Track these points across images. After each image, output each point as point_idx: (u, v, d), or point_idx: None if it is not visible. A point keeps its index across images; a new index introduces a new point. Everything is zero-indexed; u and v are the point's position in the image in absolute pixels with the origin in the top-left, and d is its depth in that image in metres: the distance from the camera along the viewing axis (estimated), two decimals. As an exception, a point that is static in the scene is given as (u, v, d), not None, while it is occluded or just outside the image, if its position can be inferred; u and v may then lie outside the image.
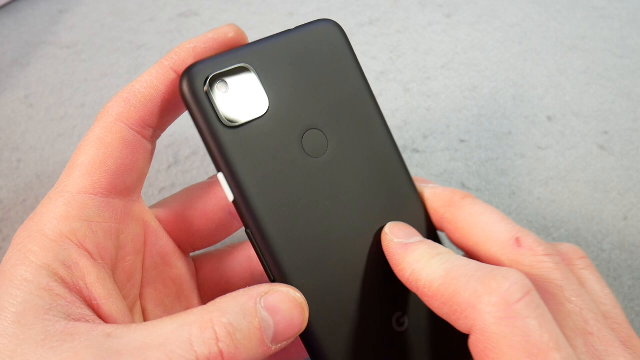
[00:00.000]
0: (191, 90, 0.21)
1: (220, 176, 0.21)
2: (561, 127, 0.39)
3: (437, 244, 0.22)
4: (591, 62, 0.43)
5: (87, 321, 0.19)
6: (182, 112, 0.24)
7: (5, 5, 0.44)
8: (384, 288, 0.23)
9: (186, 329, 0.18)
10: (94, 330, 0.18)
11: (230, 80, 0.21)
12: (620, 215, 0.35)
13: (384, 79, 0.41)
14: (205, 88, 0.21)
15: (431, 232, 0.24)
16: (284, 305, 0.19)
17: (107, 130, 0.22)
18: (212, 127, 0.21)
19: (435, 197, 0.24)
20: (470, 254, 0.23)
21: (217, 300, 0.19)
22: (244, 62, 0.22)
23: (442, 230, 0.24)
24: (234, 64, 0.21)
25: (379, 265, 0.23)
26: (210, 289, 0.27)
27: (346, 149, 0.23)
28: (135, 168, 0.22)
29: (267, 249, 0.21)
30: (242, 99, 0.21)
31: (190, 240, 0.25)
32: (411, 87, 0.41)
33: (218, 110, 0.21)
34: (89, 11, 0.45)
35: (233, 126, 0.21)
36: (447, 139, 0.38)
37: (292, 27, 0.23)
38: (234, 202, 0.21)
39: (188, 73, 0.21)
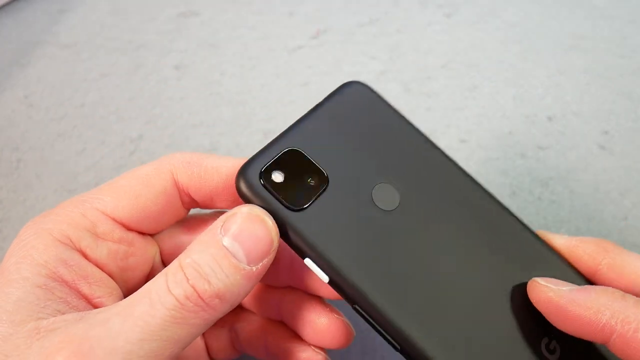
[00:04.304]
0: (249, 188, 0.21)
1: (308, 261, 0.21)
2: (561, 127, 0.39)
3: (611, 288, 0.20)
4: (591, 61, 0.43)
5: (79, 312, 0.19)
6: (220, 207, 0.24)
7: (5, 5, 0.44)
8: (523, 325, 0.21)
9: (162, 278, 0.18)
10: (86, 313, 0.18)
11: (282, 166, 0.21)
12: (621, 215, 0.35)
13: (384, 79, 0.41)
14: (262, 182, 0.21)
15: (581, 283, 0.22)
16: (243, 225, 0.19)
17: (157, 174, 0.22)
18: (280, 216, 0.20)
19: (585, 243, 0.22)
20: None
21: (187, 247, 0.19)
22: (289, 146, 0.22)
23: (594, 282, 0.22)
24: (280, 151, 0.21)
25: (511, 301, 0.21)
26: None
27: (421, 196, 0.22)
28: (160, 218, 0.23)
29: (382, 320, 0.20)
30: (300, 179, 0.21)
31: None
32: (411, 87, 0.41)
33: (281, 198, 0.20)
34: (88, 11, 0.45)
35: (301, 208, 0.21)
36: (447, 139, 0.38)
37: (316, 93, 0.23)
38: (330, 282, 0.21)
39: (241, 172, 0.21)
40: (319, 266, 0.20)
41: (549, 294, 0.20)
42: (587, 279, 0.23)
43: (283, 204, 0.20)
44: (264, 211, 0.20)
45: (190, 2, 0.46)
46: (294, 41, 0.43)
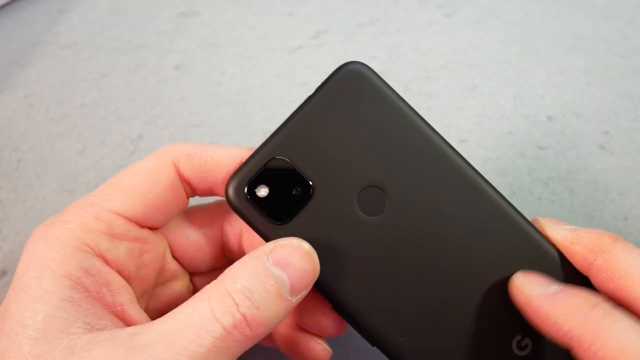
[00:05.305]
0: (235, 202, 0.21)
1: None
2: (561, 126, 0.39)
3: (590, 291, 0.20)
4: (592, 61, 0.43)
5: (111, 330, 0.18)
6: (220, 196, 0.24)
7: (5, 5, 0.44)
8: (497, 320, 0.22)
9: (206, 304, 0.18)
10: (119, 333, 0.18)
11: (268, 178, 0.21)
12: (621, 215, 0.35)
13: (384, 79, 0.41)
14: (248, 196, 0.21)
15: (574, 278, 0.22)
16: (292, 257, 0.19)
17: (162, 168, 0.22)
18: (265, 231, 0.21)
19: (581, 240, 0.22)
20: (628, 307, 0.20)
21: (227, 270, 0.19)
22: (274, 155, 0.21)
23: (589, 277, 0.22)
24: (265, 161, 0.21)
25: (486, 296, 0.22)
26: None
27: (413, 196, 0.22)
28: (168, 211, 0.23)
29: (356, 322, 0.21)
30: (285, 190, 0.21)
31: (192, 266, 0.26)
32: (411, 87, 0.41)
33: (265, 213, 0.21)
34: (88, 11, 0.45)
35: (285, 222, 0.21)
36: (448, 138, 0.38)
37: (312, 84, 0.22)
38: (315, 288, 0.21)
39: (229, 184, 0.21)
40: None
41: (525, 292, 0.20)
42: (582, 275, 0.22)
43: (267, 219, 0.21)
44: (311, 246, 0.20)
45: (190, 2, 0.46)
46: (294, 41, 0.43)
